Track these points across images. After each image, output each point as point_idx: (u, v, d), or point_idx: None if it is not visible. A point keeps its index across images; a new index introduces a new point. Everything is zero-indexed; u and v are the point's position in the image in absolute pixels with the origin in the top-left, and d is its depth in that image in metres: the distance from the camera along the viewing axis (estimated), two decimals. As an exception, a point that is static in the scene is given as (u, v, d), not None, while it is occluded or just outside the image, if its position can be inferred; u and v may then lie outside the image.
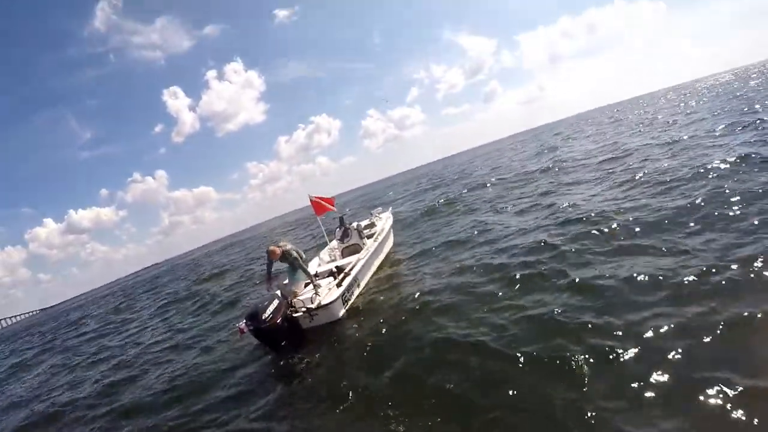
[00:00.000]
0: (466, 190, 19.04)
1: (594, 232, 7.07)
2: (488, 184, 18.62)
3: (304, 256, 7.65)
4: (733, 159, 8.96)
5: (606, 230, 6.98)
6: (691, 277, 4.59)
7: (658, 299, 4.43)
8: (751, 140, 10.65)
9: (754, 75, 50.61)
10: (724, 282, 4.36)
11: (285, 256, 7.35)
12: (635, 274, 5.03)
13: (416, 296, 6.68)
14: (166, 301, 17.62)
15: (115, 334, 13.83)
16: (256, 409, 4.96)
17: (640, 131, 21.64)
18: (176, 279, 29.96)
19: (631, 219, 7.15)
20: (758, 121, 13.15)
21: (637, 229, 6.63)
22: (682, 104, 33.48)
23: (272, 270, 7.68)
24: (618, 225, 7.03)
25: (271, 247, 7.35)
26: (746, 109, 17.81)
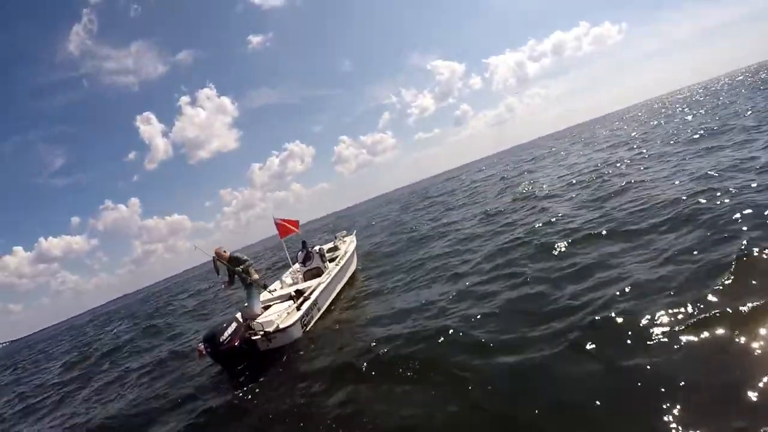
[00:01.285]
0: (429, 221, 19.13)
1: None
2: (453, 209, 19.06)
3: (246, 264, 7.79)
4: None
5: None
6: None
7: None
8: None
9: (700, 91, 53.52)
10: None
11: (234, 260, 7.66)
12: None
13: (375, 321, 6.86)
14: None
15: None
16: None
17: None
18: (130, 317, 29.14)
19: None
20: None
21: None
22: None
23: (222, 273, 7.88)
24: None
25: (217, 249, 7.72)
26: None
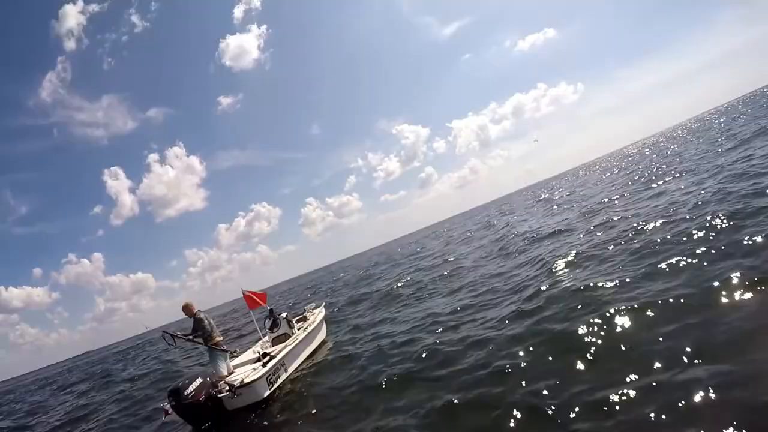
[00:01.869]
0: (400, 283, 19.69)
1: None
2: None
3: (211, 324, 7.94)
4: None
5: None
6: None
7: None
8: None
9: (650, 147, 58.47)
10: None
11: (197, 317, 7.83)
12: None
13: (342, 389, 6.82)
14: None
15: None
16: None
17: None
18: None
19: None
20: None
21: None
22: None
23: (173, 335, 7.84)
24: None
25: (188, 302, 7.94)
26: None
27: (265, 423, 6.40)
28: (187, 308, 7.97)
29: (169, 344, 7.75)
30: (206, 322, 7.89)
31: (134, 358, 27.42)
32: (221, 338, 8.11)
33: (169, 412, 6.66)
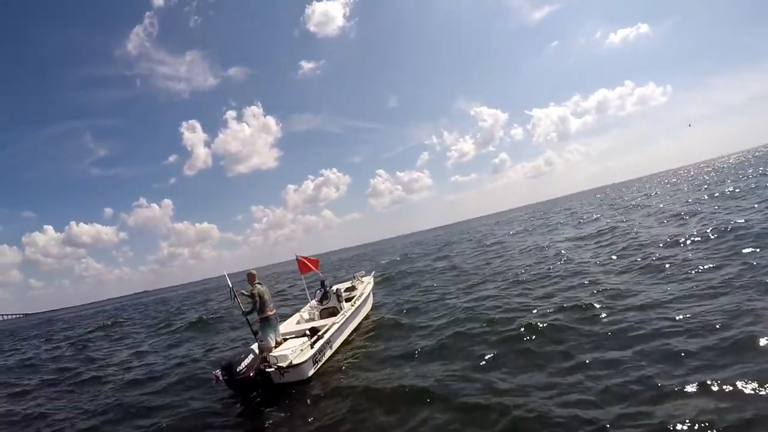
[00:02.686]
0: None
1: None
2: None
3: (264, 299, 8.37)
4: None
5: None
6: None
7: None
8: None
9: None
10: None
11: (255, 289, 8.35)
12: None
13: (385, 360, 7.43)
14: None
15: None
16: None
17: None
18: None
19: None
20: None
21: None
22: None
23: (234, 300, 8.47)
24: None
25: (253, 272, 8.62)
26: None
27: (307, 398, 6.71)
28: (251, 277, 8.61)
29: (230, 298, 8.61)
30: (263, 295, 8.40)
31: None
32: (273, 312, 8.53)
33: (220, 379, 7.07)
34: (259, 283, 8.53)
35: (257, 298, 8.32)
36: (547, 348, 6.67)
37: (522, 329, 7.54)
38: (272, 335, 8.36)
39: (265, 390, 7.22)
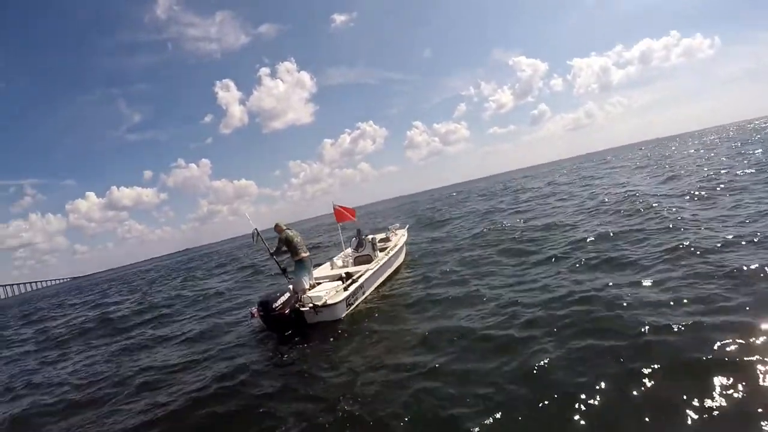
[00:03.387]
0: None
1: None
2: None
3: (293, 243, 8.57)
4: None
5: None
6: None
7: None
8: None
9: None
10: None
11: (282, 235, 8.58)
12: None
13: (412, 308, 7.51)
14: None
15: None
16: (253, 386, 5.62)
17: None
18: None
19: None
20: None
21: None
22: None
23: (258, 244, 8.90)
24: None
25: (278, 222, 8.78)
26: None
27: (338, 338, 6.91)
28: (277, 227, 8.81)
29: (253, 241, 8.94)
30: (291, 239, 8.59)
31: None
32: (307, 254, 8.73)
33: (255, 316, 7.42)
34: (288, 229, 8.72)
35: (293, 240, 8.55)
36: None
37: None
38: (306, 278, 8.54)
39: (298, 328, 7.44)
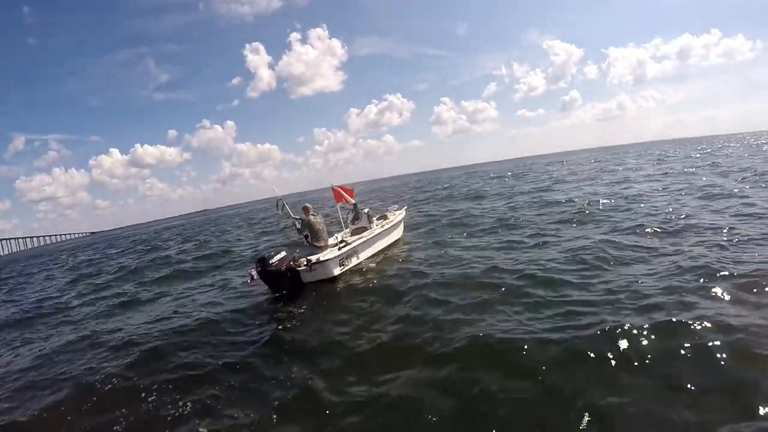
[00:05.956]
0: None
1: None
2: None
3: (315, 229, 9.24)
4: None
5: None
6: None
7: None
8: None
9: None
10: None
11: (307, 219, 9.22)
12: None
13: (406, 279, 8.02)
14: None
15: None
16: (246, 342, 6.20)
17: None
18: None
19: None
20: None
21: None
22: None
23: (282, 211, 9.64)
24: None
25: (308, 206, 9.41)
26: None
27: (332, 299, 7.73)
28: (305, 210, 9.37)
29: (277, 211, 9.79)
30: (314, 225, 9.25)
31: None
32: (325, 244, 9.36)
33: (255, 276, 7.96)
34: (314, 215, 9.34)
35: (316, 226, 9.21)
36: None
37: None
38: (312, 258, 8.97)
39: (294, 287, 8.16)
